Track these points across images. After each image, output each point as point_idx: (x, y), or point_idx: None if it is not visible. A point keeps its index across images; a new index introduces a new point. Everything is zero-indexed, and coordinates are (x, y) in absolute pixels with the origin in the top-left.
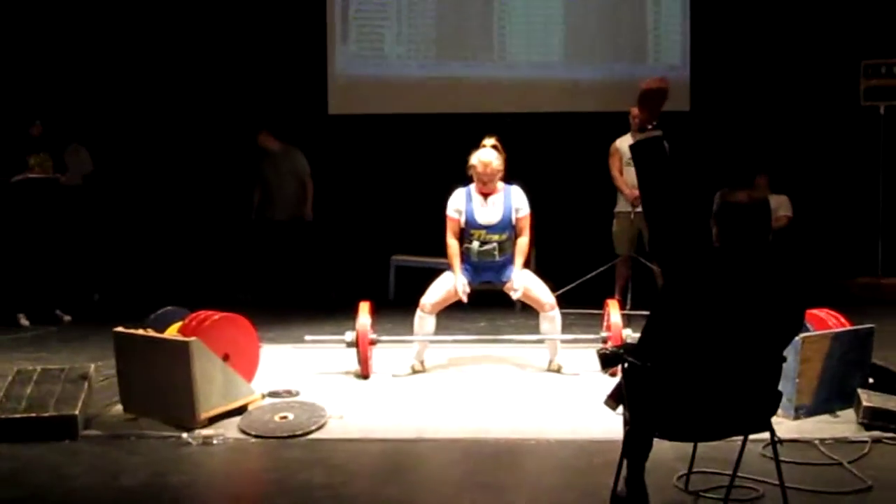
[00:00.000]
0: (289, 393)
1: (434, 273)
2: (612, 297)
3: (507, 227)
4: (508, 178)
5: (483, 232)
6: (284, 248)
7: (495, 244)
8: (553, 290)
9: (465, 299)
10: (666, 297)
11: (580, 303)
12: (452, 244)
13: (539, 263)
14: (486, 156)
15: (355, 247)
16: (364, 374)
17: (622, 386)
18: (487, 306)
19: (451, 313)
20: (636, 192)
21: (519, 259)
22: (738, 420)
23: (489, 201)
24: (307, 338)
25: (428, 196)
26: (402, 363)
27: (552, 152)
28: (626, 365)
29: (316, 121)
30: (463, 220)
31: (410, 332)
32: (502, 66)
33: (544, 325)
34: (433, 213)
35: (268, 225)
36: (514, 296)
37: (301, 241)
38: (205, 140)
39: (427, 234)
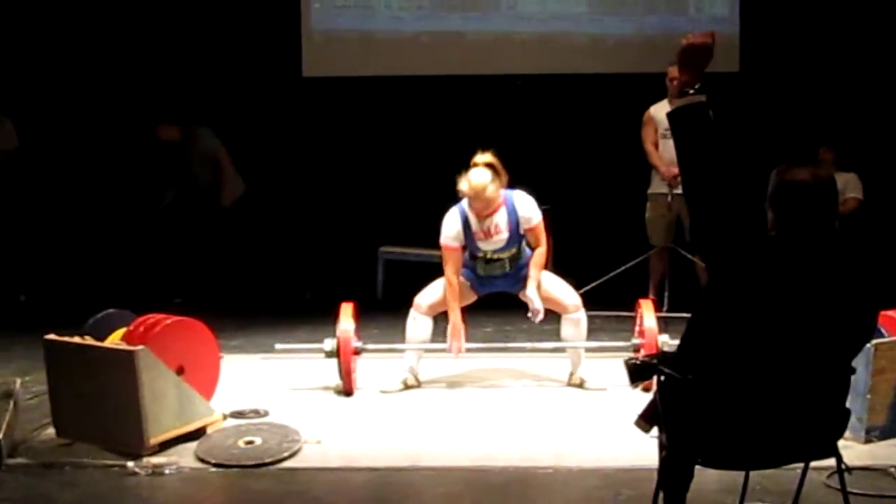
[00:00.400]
0: (256, 413)
1: (431, 268)
2: (645, 296)
3: (516, 241)
4: (518, 168)
5: (489, 252)
6: (232, 241)
7: (505, 260)
8: (575, 289)
9: (455, 354)
10: (711, 296)
11: (607, 303)
12: (453, 281)
13: (558, 258)
14: (479, 179)
15: (336, 237)
16: (347, 390)
17: (657, 403)
18: (495, 308)
19: None
20: (674, 170)
21: (534, 272)
22: (797, 444)
23: (490, 222)
24: (278, 346)
25: (423, 176)
26: (393, 376)
27: (573, 123)
28: (661, 378)
29: (287, 85)
30: (461, 244)
31: (402, 338)
32: (512, 18)
33: (566, 329)
34: (429, 196)
35: (203, 218)
36: (536, 318)
37: (230, 232)
38: (156, 114)
39: (422, 222)
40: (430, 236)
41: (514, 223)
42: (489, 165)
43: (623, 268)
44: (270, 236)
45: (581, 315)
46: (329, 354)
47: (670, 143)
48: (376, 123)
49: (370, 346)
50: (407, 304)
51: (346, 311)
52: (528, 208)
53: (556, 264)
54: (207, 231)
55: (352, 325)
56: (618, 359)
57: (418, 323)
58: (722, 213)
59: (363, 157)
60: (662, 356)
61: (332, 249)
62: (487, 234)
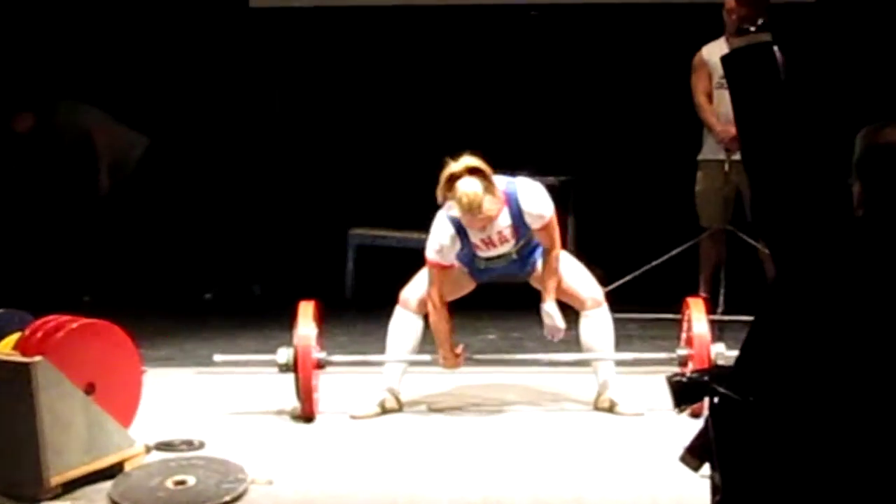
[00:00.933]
0: (188, 445)
1: (415, 256)
2: (695, 293)
3: (525, 238)
4: (529, 129)
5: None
6: (154, 222)
7: (510, 254)
8: (603, 282)
9: (459, 365)
10: (779, 293)
11: (645, 303)
12: (439, 305)
13: (581, 244)
14: (470, 196)
15: (292, 215)
16: (306, 415)
17: (709, 433)
18: (500, 306)
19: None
20: (733, 130)
21: (550, 283)
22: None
23: (492, 230)
24: (217, 358)
25: (405, 138)
26: (367, 397)
27: (601, 67)
28: (715, 400)
29: (230, 18)
30: (457, 261)
31: (378, 347)
32: None
33: (587, 332)
34: (413, 164)
35: (80, 210)
36: (554, 337)
37: (151, 211)
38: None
39: (403, 197)
40: (415, 215)
41: (522, 225)
42: (473, 171)
43: (666, 256)
44: (208, 215)
45: (603, 313)
46: (284, 368)
47: (727, 94)
48: (344, 69)
49: (337, 358)
50: (384, 303)
51: (306, 311)
52: (536, 203)
53: (580, 251)
54: (87, 221)
55: (313, 330)
56: (659, 374)
57: (406, 324)
58: (792, 186)
59: (327, 112)
60: (717, 372)
61: (288, 232)
62: (490, 244)
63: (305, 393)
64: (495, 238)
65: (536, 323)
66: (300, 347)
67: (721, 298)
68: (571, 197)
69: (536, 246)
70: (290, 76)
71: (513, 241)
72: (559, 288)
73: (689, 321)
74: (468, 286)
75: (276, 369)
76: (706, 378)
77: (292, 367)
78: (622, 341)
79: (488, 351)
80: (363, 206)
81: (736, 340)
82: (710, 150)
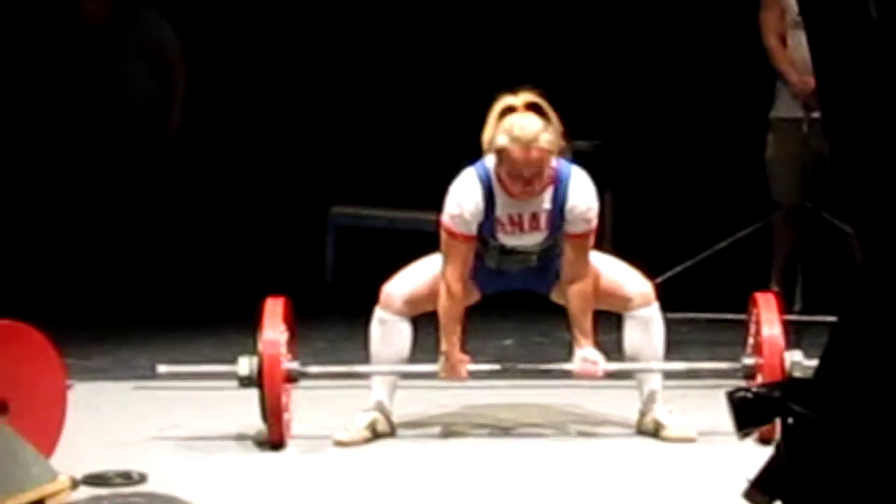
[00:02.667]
0: (126, 478)
1: (410, 240)
2: (765, 288)
3: (555, 239)
4: (550, 82)
5: (510, 247)
6: (134, 194)
7: (532, 254)
8: (648, 275)
9: (464, 377)
10: (870, 288)
11: (701, 300)
12: (456, 290)
13: (619, 224)
14: (528, 124)
15: (260, 192)
16: (275, 440)
17: (781, 462)
18: (517, 306)
19: None
20: (812, 81)
21: (585, 322)
22: None
23: (528, 207)
24: (162, 369)
25: (394, 98)
26: (352, 417)
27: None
28: (789, 421)
29: None
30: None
31: (366, 353)
32: None
33: (632, 336)
34: (405, 129)
35: (112, 156)
36: (591, 372)
37: (165, 177)
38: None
39: (393, 168)
40: (409, 190)
41: (560, 218)
42: (533, 108)
43: (727, 241)
44: (154, 191)
45: (654, 313)
46: (246, 382)
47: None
48: (322, 17)
49: (313, 369)
50: (373, 299)
51: (274, 310)
52: (586, 198)
53: (616, 239)
54: (150, 170)
55: (283, 333)
56: (718, 389)
57: (389, 330)
58: (885, 153)
59: (304, 69)
60: (791, 386)
61: (253, 212)
62: (517, 226)
63: (273, 413)
64: (527, 219)
65: (563, 325)
66: (266, 356)
67: (798, 294)
68: (607, 167)
69: (559, 255)
70: (260, 33)
71: (544, 234)
72: (599, 288)
73: (758, 323)
74: (470, 298)
75: (235, 383)
76: (778, 393)
77: (256, 380)
78: (673, 347)
79: (503, 360)
80: (346, 179)
81: (816, 346)
82: (785, 107)
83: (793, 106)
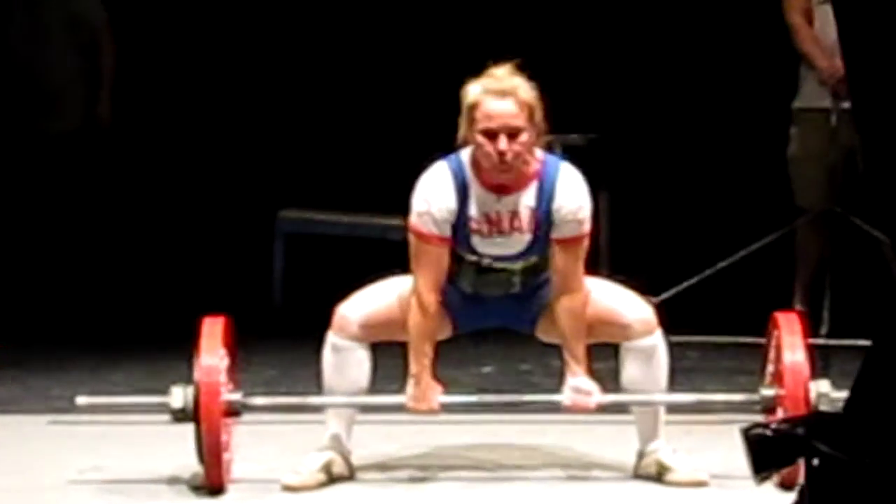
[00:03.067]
0: None
1: (370, 248)
2: (787, 307)
3: (542, 248)
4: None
5: (488, 258)
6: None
7: (514, 273)
8: (649, 292)
9: (434, 409)
10: None
11: (712, 321)
12: (429, 305)
13: (617, 232)
14: (503, 79)
15: (197, 196)
16: (214, 484)
17: None
18: (497, 330)
19: None
20: (842, 65)
21: (578, 347)
22: None
23: (507, 204)
24: (81, 401)
25: (351, 92)
26: (305, 458)
27: None
28: (814, 462)
29: None
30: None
31: (316, 384)
32: None
33: (631, 369)
34: (363, 124)
35: (29, 151)
36: (588, 400)
37: (92, 176)
38: None
39: (350, 169)
40: (370, 193)
41: (546, 221)
42: (514, 71)
43: (741, 253)
44: (77, 191)
45: (657, 342)
46: (180, 416)
47: (831, 12)
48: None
49: (258, 401)
50: (327, 319)
51: (213, 332)
52: (576, 196)
53: (612, 249)
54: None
55: (224, 359)
56: (731, 425)
57: (344, 358)
58: None
59: (251, 55)
60: (817, 421)
61: (193, 217)
62: (496, 227)
63: (212, 452)
64: (506, 218)
65: (551, 350)
66: (204, 385)
67: (825, 314)
68: (603, 164)
69: (546, 281)
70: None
71: (527, 238)
72: (594, 312)
73: (779, 347)
74: (441, 330)
75: (167, 417)
76: (801, 430)
77: (192, 413)
78: (679, 376)
79: (482, 390)
80: (296, 179)
81: (847, 375)
82: (811, 95)
83: (819, 94)
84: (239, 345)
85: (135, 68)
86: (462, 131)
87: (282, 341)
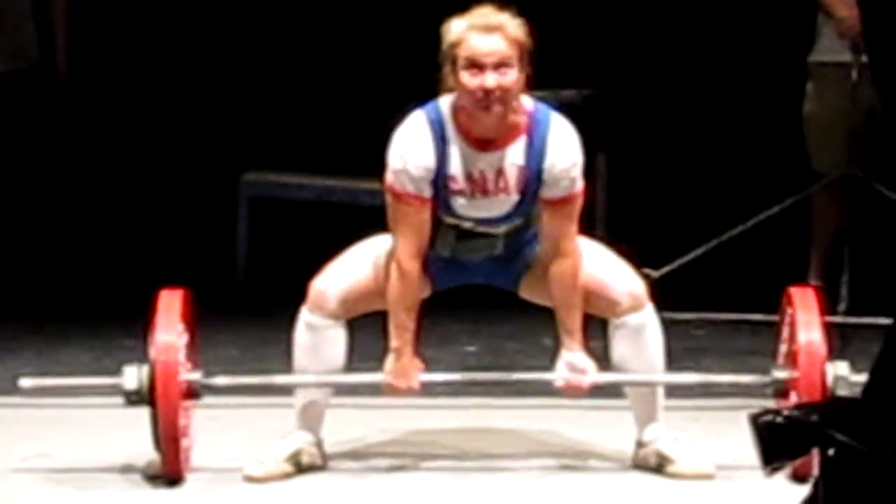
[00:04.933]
0: None
1: (343, 214)
2: (802, 282)
3: (528, 209)
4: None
5: (469, 221)
6: None
7: (497, 237)
8: (651, 264)
9: (414, 388)
10: None
11: (719, 297)
12: (411, 270)
13: (615, 197)
14: (489, 15)
15: (158, 157)
16: (171, 472)
17: None
18: (483, 304)
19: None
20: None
21: (571, 318)
22: None
23: (492, 161)
24: (25, 383)
25: (320, 44)
26: (271, 445)
27: None
28: (830, 452)
29: None
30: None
31: (283, 363)
32: None
33: (621, 348)
34: (335, 81)
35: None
36: (575, 393)
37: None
38: None
39: (320, 127)
40: (341, 154)
41: (534, 175)
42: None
43: (751, 222)
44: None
45: (647, 318)
46: (133, 398)
47: None
48: None
49: (220, 382)
50: (297, 292)
51: (170, 306)
52: (569, 151)
53: (609, 216)
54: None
55: (182, 336)
56: (740, 412)
57: (320, 338)
58: None
59: (212, 7)
60: (833, 408)
61: (148, 180)
62: (480, 187)
63: (169, 438)
64: (491, 178)
65: (541, 326)
66: (160, 364)
67: (844, 290)
68: (600, 122)
69: (531, 239)
70: None
71: (513, 200)
72: (585, 285)
73: (793, 325)
74: (420, 291)
75: (120, 400)
76: (816, 418)
77: (147, 396)
78: (681, 356)
79: (466, 370)
80: (261, 138)
81: (866, 356)
82: (828, 48)
83: (838, 47)
84: (199, 321)
85: (97, 19)
86: (443, 77)
87: (246, 317)
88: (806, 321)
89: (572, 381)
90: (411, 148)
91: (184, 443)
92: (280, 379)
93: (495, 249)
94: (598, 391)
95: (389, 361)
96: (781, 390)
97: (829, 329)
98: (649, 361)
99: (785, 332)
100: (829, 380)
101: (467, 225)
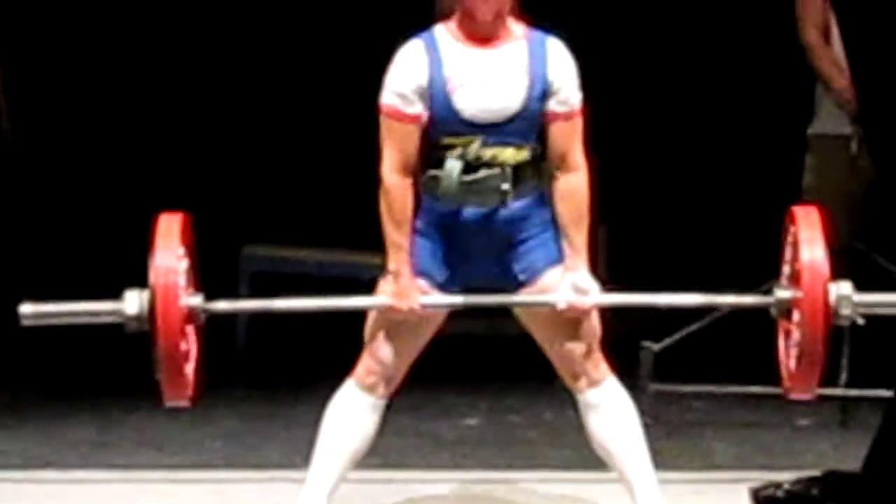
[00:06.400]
0: None
1: (343, 288)
2: None
3: (533, 130)
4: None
5: (473, 139)
6: None
7: (504, 169)
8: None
9: (416, 309)
10: None
11: (716, 370)
12: (396, 185)
13: (615, 276)
14: None
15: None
16: (173, 398)
17: None
18: (484, 374)
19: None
20: None
21: (577, 236)
22: None
23: (490, 59)
24: (25, 309)
25: (323, 117)
26: None
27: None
28: None
29: None
30: (424, 112)
31: (284, 440)
32: None
33: (595, 425)
34: (336, 154)
35: None
36: (585, 301)
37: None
38: None
39: (323, 199)
40: (341, 228)
41: (537, 81)
42: None
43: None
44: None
45: (609, 394)
46: (134, 322)
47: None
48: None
49: (222, 306)
50: (300, 371)
51: (170, 228)
52: (564, 68)
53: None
54: None
55: (184, 262)
56: (740, 484)
57: (359, 413)
58: None
59: (206, 69)
60: (833, 481)
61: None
62: (482, 75)
63: (170, 362)
64: (494, 66)
65: (541, 401)
66: (160, 288)
67: (844, 361)
68: (602, 193)
69: (541, 205)
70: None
71: (519, 95)
72: (554, 346)
73: (796, 245)
74: (426, 328)
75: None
76: (816, 492)
77: (147, 317)
78: (682, 429)
79: (467, 445)
80: (263, 211)
81: (866, 428)
82: (828, 121)
83: (838, 119)
84: (199, 393)
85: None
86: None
87: (246, 390)
88: (808, 238)
89: (575, 304)
90: (400, 65)
91: (187, 369)
92: (279, 303)
93: (505, 195)
94: (599, 465)
95: (387, 283)
96: (784, 309)
97: (833, 250)
98: (628, 436)
99: (788, 252)
100: (832, 299)
101: (473, 148)
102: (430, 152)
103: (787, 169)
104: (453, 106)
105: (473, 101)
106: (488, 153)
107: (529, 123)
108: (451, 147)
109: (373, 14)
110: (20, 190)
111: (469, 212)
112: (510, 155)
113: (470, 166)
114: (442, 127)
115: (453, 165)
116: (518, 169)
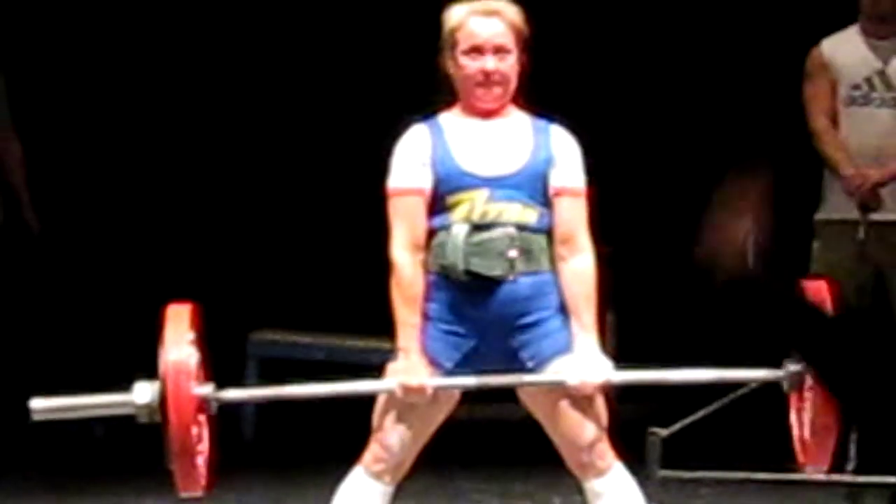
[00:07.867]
0: None
1: (351, 375)
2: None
3: (538, 193)
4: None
5: (480, 194)
6: None
7: (510, 231)
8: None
9: (428, 391)
10: None
11: (723, 456)
12: (405, 264)
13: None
14: (487, 15)
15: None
16: (186, 489)
17: None
18: (492, 462)
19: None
20: (872, 174)
21: (584, 313)
22: None
23: (492, 126)
24: (35, 404)
25: (331, 203)
26: None
27: (634, 75)
28: None
29: None
30: (430, 180)
31: None
32: None
33: None
34: (344, 240)
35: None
36: (595, 379)
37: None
38: None
39: (328, 287)
40: (349, 313)
41: (543, 148)
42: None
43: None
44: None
45: (616, 483)
46: (145, 413)
47: (866, 113)
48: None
49: (232, 395)
50: (308, 456)
51: (179, 317)
52: (567, 150)
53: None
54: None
55: (194, 353)
56: None
57: (365, 500)
58: None
59: (212, 150)
60: None
61: (150, 336)
62: (485, 140)
63: (181, 450)
64: (496, 135)
65: (550, 487)
66: (171, 374)
67: (852, 447)
68: (610, 279)
69: (547, 284)
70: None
71: (523, 157)
72: (558, 428)
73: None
74: (434, 413)
75: (134, 415)
76: None
77: (158, 408)
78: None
79: None
80: (269, 296)
81: None
82: (836, 207)
83: (846, 205)
84: (208, 483)
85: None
86: (441, 62)
87: (254, 477)
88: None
89: (587, 380)
90: (404, 146)
91: (198, 461)
92: (290, 389)
93: (512, 262)
94: None
95: (397, 363)
96: (796, 383)
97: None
98: None
99: None
100: None
101: (479, 209)
102: (438, 215)
103: (793, 255)
104: (456, 161)
105: (477, 154)
106: (494, 209)
107: (534, 181)
108: (458, 204)
109: (377, 100)
110: (38, 280)
111: (476, 284)
112: (517, 212)
113: (476, 228)
114: (447, 185)
115: (460, 229)
116: (525, 239)
